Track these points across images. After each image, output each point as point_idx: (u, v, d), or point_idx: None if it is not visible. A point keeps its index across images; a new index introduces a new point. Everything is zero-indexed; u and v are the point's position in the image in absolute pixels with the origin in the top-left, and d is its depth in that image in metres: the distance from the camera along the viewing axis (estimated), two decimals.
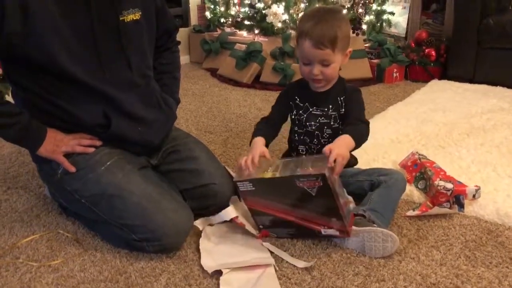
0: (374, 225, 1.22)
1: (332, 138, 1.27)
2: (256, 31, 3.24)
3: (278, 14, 3.03)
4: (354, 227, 1.20)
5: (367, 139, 1.32)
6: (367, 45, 3.21)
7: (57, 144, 1.22)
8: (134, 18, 1.25)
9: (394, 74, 3.01)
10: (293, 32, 3.00)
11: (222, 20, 3.55)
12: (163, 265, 1.19)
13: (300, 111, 1.40)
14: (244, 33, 3.37)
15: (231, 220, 1.27)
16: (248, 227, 1.26)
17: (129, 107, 1.26)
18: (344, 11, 3.09)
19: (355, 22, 3.15)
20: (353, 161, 1.47)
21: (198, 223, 1.32)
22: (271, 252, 1.22)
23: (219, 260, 1.17)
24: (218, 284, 1.10)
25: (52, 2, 1.09)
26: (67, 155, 1.23)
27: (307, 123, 1.38)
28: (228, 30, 3.51)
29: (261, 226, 1.26)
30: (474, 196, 1.41)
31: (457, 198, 1.38)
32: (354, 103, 1.35)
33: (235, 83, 3.03)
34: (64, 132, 1.25)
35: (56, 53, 1.12)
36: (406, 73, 3.07)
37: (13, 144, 1.24)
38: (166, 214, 1.20)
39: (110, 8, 1.20)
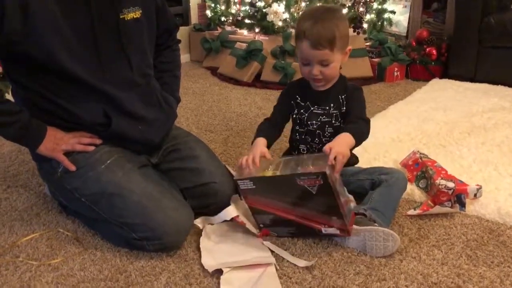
0: (375, 224, 1.21)
1: (333, 136, 1.27)
2: (257, 30, 3.23)
3: (278, 12, 3.03)
4: (355, 226, 1.20)
5: (367, 137, 1.31)
6: (368, 44, 3.20)
7: (57, 142, 1.22)
8: (135, 17, 1.24)
9: (395, 73, 3.00)
10: (293, 31, 2.99)
11: (223, 18, 3.55)
12: (163, 264, 1.19)
13: (301, 110, 1.39)
14: (244, 31, 3.37)
15: (232, 219, 1.27)
16: (249, 226, 1.26)
17: (130, 106, 1.26)
18: (345, 10, 3.09)
19: (356, 21, 3.15)
20: (354, 160, 1.47)
21: (198, 222, 1.31)
22: (272, 251, 1.21)
23: (220, 259, 1.17)
24: (219, 283, 1.10)
25: (52, 1, 1.09)
26: (67, 154, 1.23)
27: (308, 122, 1.38)
28: (228, 28, 3.51)
29: (261, 225, 1.26)
30: (475, 195, 1.40)
31: (459, 197, 1.38)
32: (355, 101, 1.35)
33: (235, 82, 3.02)
34: (64, 130, 1.24)
35: (56, 52, 1.11)
36: (407, 72, 3.06)
37: (13, 143, 1.24)
38: (166, 213, 1.20)
39: (110, 7, 1.19)
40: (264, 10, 3.10)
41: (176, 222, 1.20)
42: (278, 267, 1.15)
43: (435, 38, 3.06)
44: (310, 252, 1.22)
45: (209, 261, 1.16)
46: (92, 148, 1.25)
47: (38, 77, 1.17)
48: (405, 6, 3.39)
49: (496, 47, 2.76)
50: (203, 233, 1.28)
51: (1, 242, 1.29)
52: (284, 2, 3.01)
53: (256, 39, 3.16)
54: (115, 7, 1.20)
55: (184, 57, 3.61)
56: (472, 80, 2.85)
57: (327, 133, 1.37)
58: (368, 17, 3.30)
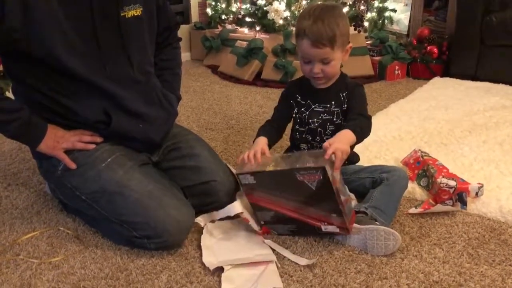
0: (376, 222, 1.21)
1: (334, 134, 1.26)
2: (257, 28, 3.23)
3: (279, 11, 3.02)
4: (355, 225, 1.19)
5: (369, 134, 1.31)
6: (368, 42, 3.19)
7: (57, 140, 1.21)
8: (135, 14, 1.24)
9: (396, 72, 2.99)
10: (294, 29, 2.98)
11: (223, 17, 3.54)
12: (164, 262, 1.18)
13: (302, 109, 1.39)
14: (245, 30, 3.37)
15: (235, 216, 1.26)
16: (252, 223, 1.26)
17: (130, 104, 1.26)
18: (346, 8, 3.08)
19: (357, 19, 3.14)
20: (355, 158, 1.47)
21: (200, 219, 1.31)
22: (273, 250, 1.21)
23: (221, 257, 1.17)
24: (220, 282, 1.10)
25: None
26: (68, 152, 1.23)
27: (310, 120, 1.37)
28: (229, 27, 3.50)
29: (262, 222, 1.26)
30: (477, 193, 1.40)
31: (460, 196, 1.38)
32: (356, 98, 1.35)
33: (236, 80, 3.02)
34: (65, 128, 1.24)
35: (56, 49, 1.11)
36: (408, 71, 3.06)
37: (14, 141, 1.24)
38: (167, 211, 1.20)
39: (111, 4, 1.19)
40: (265, 8, 3.09)
41: (177, 220, 1.20)
42: (279, 265, 1.15)
43: (436, 36, 3.05)
44: (311, 250, 1.22)
45: (210, 259, 1.16)
46: (92, 146, 1.24)
47: (39, 75, 1.16)
48: (406, 4, 3.38)
49: (497, 46, 2.75)
50: (204, 231, 1.28)
51: (1, 240, 1.29)
52: (285, 0, 3.00)
53: (256, 37, 3.16)
54: (116, 4, 1.20)
55: (185, 56, 3.61)
56: (473, 78, 2.84)
57: (328, 131, 1.36)
58: (369, 15, 3.29)
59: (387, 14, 3.36)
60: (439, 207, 1.37)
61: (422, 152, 1.63)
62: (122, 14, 1.21)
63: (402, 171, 1.38)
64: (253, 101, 2.58)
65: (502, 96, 2.49)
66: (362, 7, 3.22)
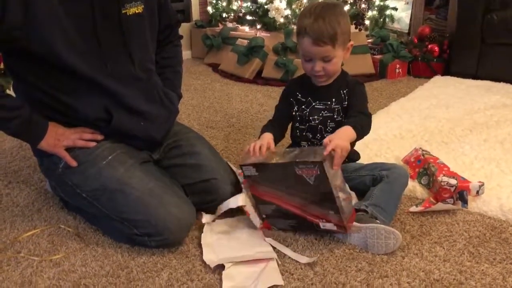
0: (377, 221, 1.21)
1: (335, 131, 1.27)
2: (258, 26, 3.22)
3: (280, 9, 3.02)
4: (356, 223, 1.19)
5: (369, 132, 1.31)
6: (369, 40, 3.19)
7: (58, 138, 1.21)
8: (137, 11, 1.24)
9: (397, 70, 2.99)
10: (295, 27, 2.98)
11: (224, 15, 3.54)
12: (165, 260, 1.18)
13: (303, 106, 1.39)
14: (246, 28, 3.36)
15: (238, 209, 1.26)
16: (253, 216, 1.26)
17: (131, 102, 1.25)
18: (347, 7, 3.08)
19: (358, 18, 3.14)
20: (355, 156, 1.47)
21: (208, 218, 1.31)
22: (274, 248, 1.21)
23: (221, 254, 1.17)
24: (221, 280, 1.10)
25: None
26: (69, 149, 1.23)
27: (310, 118, 1.37)
28: (230, 25, 3.50)
29: (264, 216, 1.26)
30: (477, 192, 1.40)
31: (461, 194, 1.38)
32: (357, 96, 1.35)
33: (237, 78, 3.02)
34: (66, 126, 1.24)
35: (57, 46, 1.11)
36: (409, 69, 3.06)
37: (15, 139, 1.24)
38: (168, 209, 1.20)
39: (113, 1, 1.19)
40: (265, 7, 3.09)
41: (177, 218, 1.20)
42: (280, 263, 1.15)
43: (437, 35, 3.05)
44: (312, 248, 1.22)
45: (211, 257, 1.16)
46: (93, 144, 1.24)
47: (40, 72, 1.16)
48: (407, 3, 3.38)
49: (498, 44, 2.75)
50: (204, 229, 1.28)
51: (2, 237, 1.29)
52: None
53: (257, 35, 3.16)
54: (118, 1, 1.19)
55: (186, 54, 3.61)
56: (474, 77, 2.84)
57: (329, 128, 1.37)
58: (370, 13, 3.29)
59: (388, 12, 3.36)
60: (440, 206, 1.37)
61: (423, 150, 1.63)
62: (123, 12, 1.21)
63: (402, 168, 1.38)
64: (254, 100, 2.58)
65: (503, 95, 2.49)
66: (363, 5, 3.22)
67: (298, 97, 1.40)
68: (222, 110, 2.40)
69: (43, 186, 1.57)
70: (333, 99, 1.36)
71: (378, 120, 2.13)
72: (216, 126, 2.17)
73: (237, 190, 1.36)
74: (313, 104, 1.38)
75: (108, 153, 1.24)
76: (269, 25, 3.13)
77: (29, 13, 1.06)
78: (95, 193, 1.22)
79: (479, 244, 1.23)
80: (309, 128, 1.39)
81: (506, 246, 1.22)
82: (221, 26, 3.54)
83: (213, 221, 1.32)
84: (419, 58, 2.99)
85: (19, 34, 1.08)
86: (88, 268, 1.16)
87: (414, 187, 1.50)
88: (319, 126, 1.37)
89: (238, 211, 1.33)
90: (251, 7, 3.25)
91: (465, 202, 1.38)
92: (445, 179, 1.38)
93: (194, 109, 2.41)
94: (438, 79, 2.89)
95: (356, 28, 3.12)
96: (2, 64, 1.66)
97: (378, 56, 3.04)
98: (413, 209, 1.38)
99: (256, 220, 1.26)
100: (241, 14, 3.40)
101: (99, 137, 1.26)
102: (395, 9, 3.36)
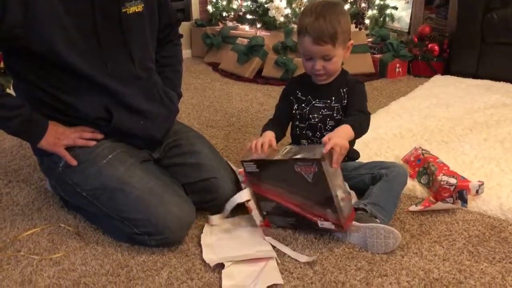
0: (377, 220, 1.21)
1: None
2: (258, 25, 3.22)
3: (280, 8, 3.02)
4: (355, 223, 1.19)
5: (367, 130, 1.32)
6: (369, 39, 3.19)
7: (58, 137, 1.21)
8: (137, 10, 1.24)
9: (397, 69, 2.99)
10: (295, 26, 2.98)
11: (224, 14, 3.54)
12: (165, 259, 1.19)
13: (303, 105, 1.39)
14: (246, 27, 3.36)
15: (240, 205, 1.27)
16: (254, 213, 1.26)
17: (131, 101, 1.26)
18: (347, 6, 3.07)
19: (358, 17, 3.14)
20: (355, 155, 1.47)
21: (215, 220, 1.31)
22: (273, 247, 1.21)
23: (221, 253, 1.17)
24: (220, 278, 1.10)
25: None
26: (69, 148, 1.23)
27: (310, 116, 1.38)
28: (230, 24, 3.50)
29: (264, 213, 1.27)
30: (477, 191, 1.40)
31: (460, 193, 1.38)
32: (356, 95, 1.36)
33: (237, 77, 3.02)
34: (66, 125, 1.24)
35: (57, 45, 1.11)
36: (409, 68, 3.05)
37: (15, 138, 1.24)
38: (168, 208, 1.20)
39: (113, 0, 1.19)
40: (265, 6, 3.09)
41: (177, 217, 1.20)
42: (279, 262, 1.15)
43: (437, 34, 3.05)
44: (312, 247, 1.22)
45: (211, 256, 1.17)
46: (93, 143, 1.24)
47: (40, 71, 1.16)
48: (407, 2, 3.38)
49: (498, 44, 2.75)
50: (204, 229, 1.29)
51: (2, 236, 1.29)
52: None
53: (257, 34, 3.15)
54: (118, 0, 1.19)
55: (186, 53, 3.61)
56: (474, 76, 2.84)
57: (328, 126, 1.37)
58: (370, 12, 3.29)
59: (388, 11, 3.36)
60: (440, 205, 1.37)
61: (422, 149, 1.63)
62: (123, 10, 1.21)
63: (401, 167, 1.39)
64: (254, 99, 2.58)
65: (503, 94, 2.49)
66: (363, 5, 3.22)
67: (298, 96, 1.40)
68: (222, 109, 2.40)
69: (43, 185, 1.57)
70: (333, 98, 1.36)
71: (378, 119, 2.13)
72: (216, 125, 2.17)
73: (237, 189, 1.37)
74: (313, 102, 1.38)
75: (108, 152, 1.24)
76: (269, 24, 3.13)
77: (29, 13, 1.06)
78: (95, 192, 1.22)
79: (479, 243, 1.23)
80: (309, 126, 1.39)
81: (505, 245, 1.22)
82: (221, 25, 3.54)
83: (226, 217, 1.31)
84: (419, 57, 2.99)
85: (20, 32, 1.08)
86: (88, 267, 1.16)
87: (413, 186, 1.50)
88: (319, 124, 1.38)
89: (238, 211, 1.34)
90: (251, 6, 3.25)
91: (464, 201, 1.38)
92: (445, 178, 1.38)
93: (194, 108, 2.42)
94: (438, 78, 2.89)
95: (356, 27, 3.12)
96: (2, 63, 1.66)
97: (378, 55, 3.04)
98: (413, 208, 1.38)
99: (257, 217, 1.26)
100: (241, 13, 3.40)
101: (99, 136, 1.26)
102: (395, 8, 3.35)
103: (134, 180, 1.21)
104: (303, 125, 1.40)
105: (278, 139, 1.38)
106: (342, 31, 1.26)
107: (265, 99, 2.56)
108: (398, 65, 2.98)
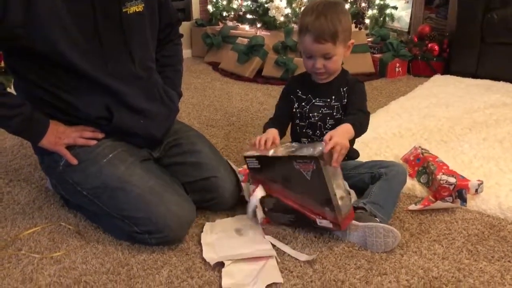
0: (376, 219, 1.22)
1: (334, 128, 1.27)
2: (259, 25, 3.23)
3: (280, 8, 3.02)
4: (354, 222, 1.20)
5: (366, 130, 1.32)
6: (369, 39, 3.19)
7: (59, 136, 1.22)
8: (137, 10, 1.24)
9: (397, 69, 3.00)
10: (295, 26, 2.99)
11: (224, 14, 3.55)
12: (165, 257, 1.19)
13: (303, 103, 1.40)
14: (246, 27, 3.37)
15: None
16: (259, 209, 1.26)
17: (132, 100, 1.26)
18: (347, 5, 3.08)
19: (358, 17, 3.14)
20: (355, 154, 1.47)
21: (229, 221, 1.32)
22: (273, 245, 1.22)
23: (221, 252, 1.18)
24: (220, 277, 1.10)
25: None
26: (69, 147, 1.23)
27: (310, 114, 1.38)
28: (230, 24, 3.50)
29: (266, 209, 1.27)
30: (476, 190, 1.41)
31: (460, 193, 1.38)
32: (356, 94, 1.36)
33: (237, 77, 3.02)
34: (66, 124, 1.24)
35: (58, 44, 1.11)
36: (408, 68, 3.06)
37: (15, 137, 1.24)
38: (168, 207, 1.20)
39: (113, 0, 1.19)
40: (266, 5, 3.10)
41: (178, 216, 1.21)
42: (279, 260, 1.16)
43: (437, 34, 3.05)
44: (311, 246, 1.22)
45: (211, 255, 1.17)
46: (94, 142, 1.25)
47: (40, 70, 1.17)
48: (407, 2, 3.38)
49: (498, 43, 2.75)
50: (204, 228, 1.29)
51: (3, 235, 1.30)
52: None
53: (257, 34, 3.16)
54: (118, 0, 1.20)
55: (186, 52, 3.61)
56: (474, 76, 2.84)
57: (328, 125, 1.37)
58: (370, 12, 3.29)
59: (388, 11, 3.36)
60: (439, 204, 1.37)
61: (422, 149, 1.63)
62: (124, 10, 1.21)
63: (400, 166, 1.39)
64: (254, 98, 2.59)
65: (502, 94, 2.50)
66: (363, 4, 3.23)
67: (299, 94, 1.41)
68: (222, 109, 2.40)
69: (44, 184, 1.58)
70: (333, 97, 1.36)
71: (378, 119, 2.14)
72: (216, 124, 2.17)
73: (237, 188, 1.37)
74: (313, 101, 1.38)
75: (109, 151, 1.24)
76: (269, 24, 3.13)
77: (30, 13, 1.07)
78: (95, 191, 1.22)
79: (478, 242, 1.24)
80: (309, 125, 1.40)
81: (504, 244, 1.23)
82: (221, 25, 3.54)
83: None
84: (419, 57, 2.99)
85: (21, 32, 1.08)
86: (89, 265, 1.16)
87: (413, 186, 1.50)
88: (319, 123, 1.38)
89: (239, 210, 1.34)
90: (251, 6, 3.26)
91: (464, 200, 1.38)
92: (444, 177, 1.39)
93: (194, 108, 2.42)
94: (437, 78, 2.89)
95: (356, 27, 3.12)
96: (2, 62, 1.66)
97: (378, 55, 3.05)
98: (412, 207, 1.38)
99: (260, 213, 1.27)
100: (241, 13, 3.40)
101: (100, 135, 1.26)
102: (395, 8, 3.36)
103: (135, 179, 1.21)
104: (303, 123, 1.41)
105: (279, 137, 1.39)
106: (342, 29, 1.27)
107: (265, 99, 2.57)
108: (398, 64, 2.99)
